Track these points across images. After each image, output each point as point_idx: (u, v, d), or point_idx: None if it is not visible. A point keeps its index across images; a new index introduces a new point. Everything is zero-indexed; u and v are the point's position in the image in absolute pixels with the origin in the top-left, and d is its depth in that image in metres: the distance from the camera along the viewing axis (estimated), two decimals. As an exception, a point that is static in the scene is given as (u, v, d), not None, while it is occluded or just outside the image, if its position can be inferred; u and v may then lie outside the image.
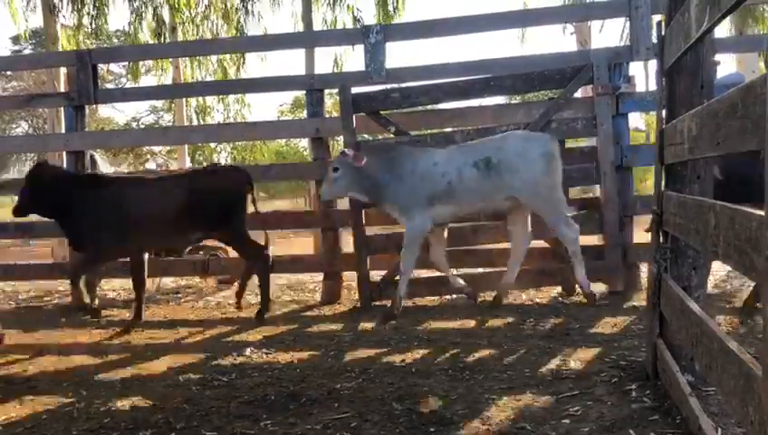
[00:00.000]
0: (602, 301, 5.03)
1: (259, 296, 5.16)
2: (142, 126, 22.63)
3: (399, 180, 4.82)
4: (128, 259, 5.20)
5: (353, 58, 10.50)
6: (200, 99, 12.61)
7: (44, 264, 7.41)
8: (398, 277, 5.05)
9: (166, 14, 11.30)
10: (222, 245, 6.00)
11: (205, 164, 10.72)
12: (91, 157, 6.68)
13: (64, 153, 6.47)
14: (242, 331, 4.76)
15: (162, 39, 10.97)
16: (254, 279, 5.20)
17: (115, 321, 5.29)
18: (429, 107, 5.74)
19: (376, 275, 5.50)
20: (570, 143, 5.79)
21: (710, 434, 2.17)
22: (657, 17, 4.90)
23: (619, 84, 5.31)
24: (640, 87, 5.50)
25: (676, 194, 2.71)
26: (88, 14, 10.50)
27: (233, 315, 5.32)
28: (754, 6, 9.51)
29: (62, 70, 7.89)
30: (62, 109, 6.86)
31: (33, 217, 5.38)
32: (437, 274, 5.33)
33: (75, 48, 9.62)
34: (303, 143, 21.05)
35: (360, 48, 5.84)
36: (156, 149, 19.61)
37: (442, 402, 3.02)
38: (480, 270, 5.62)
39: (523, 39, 9.67)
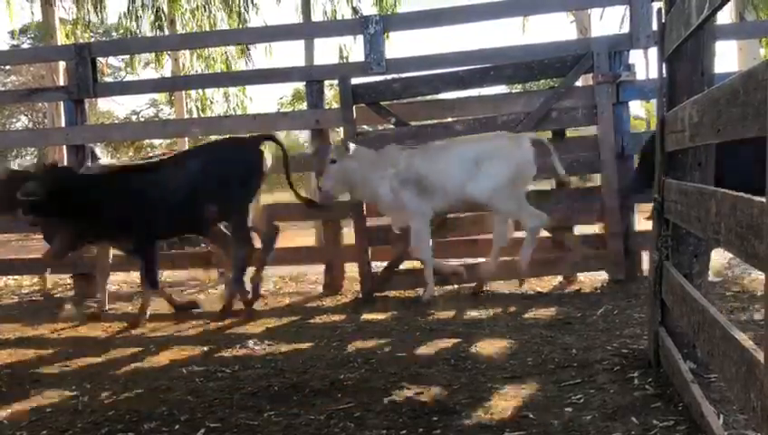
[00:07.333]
0: (604, 289, 5.04)
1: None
2: (142, 119, 22.63)
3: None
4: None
5: (357, 49, 10.46)
6: (200, 91, 12.58)
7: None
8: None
9: (164, 6, 11.26)
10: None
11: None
12: (92, 150, 6.66)
13: (65, 147, 6.45)
14: (244, 323, 4.78)
15: (162, 31, 10.95)
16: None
17: (118, 314, 5.31)
18: (430, 97, 5.72)
19: (378, 266, 5.51)
20: (570, 132, 5.78)
21: (712, 421, 2.18)
22: (657, 4, 4.88)
23: (620, 72, 5.28)
24: (641, 75, 5.45)
25: (677, 181, 2.70)
26: (87, 7, 10.47)
27: (235, 307, 5.32)
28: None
29: (62, 64, 7.87)
30: (62, 103, 6.84)
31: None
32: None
33: (73, 42, 9.58)
34: (304, 135, 21.07)
35: (361, 39, 5.82)
36: (156, 141, 19.59)
37: (445, 392, 3.03)
38: (480, 259, 5.62)
39: (524, 28, 9.62)
